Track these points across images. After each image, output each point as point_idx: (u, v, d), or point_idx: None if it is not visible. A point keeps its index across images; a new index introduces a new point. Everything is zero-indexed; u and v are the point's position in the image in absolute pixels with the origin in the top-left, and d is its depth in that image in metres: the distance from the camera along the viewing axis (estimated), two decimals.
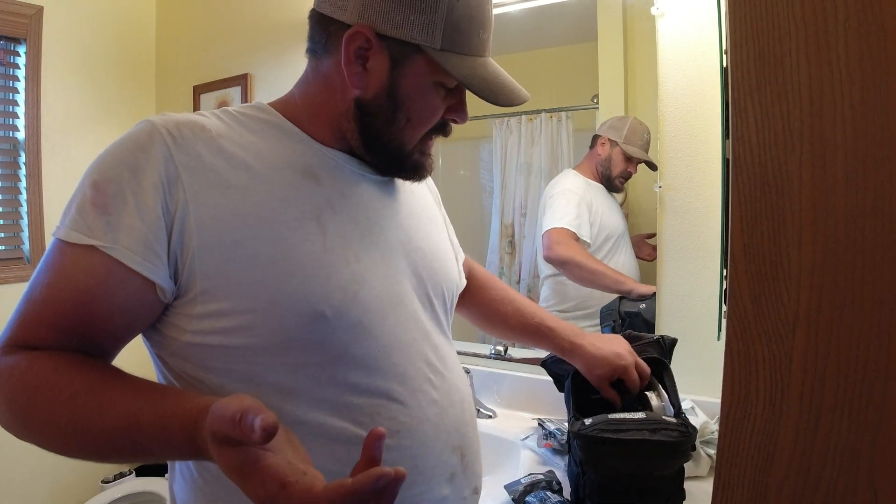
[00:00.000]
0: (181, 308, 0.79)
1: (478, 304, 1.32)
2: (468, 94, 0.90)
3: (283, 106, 0.93)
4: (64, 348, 0.76)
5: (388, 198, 0.97)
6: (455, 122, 0.95)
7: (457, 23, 0.84)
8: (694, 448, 1.11)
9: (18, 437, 0.74)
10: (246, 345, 0.78)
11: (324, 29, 0.88)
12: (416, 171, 0.95)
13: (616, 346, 1.24)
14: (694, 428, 1.12)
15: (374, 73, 0.86)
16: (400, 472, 0.57)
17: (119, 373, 0.76)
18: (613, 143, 1.81)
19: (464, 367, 1.78)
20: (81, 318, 0.76)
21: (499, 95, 0.88)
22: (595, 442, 1.11)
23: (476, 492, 0.97)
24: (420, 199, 1.07)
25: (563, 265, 1.88)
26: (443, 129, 0.94)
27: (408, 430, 0.85)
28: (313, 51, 0.91)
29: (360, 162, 0.93)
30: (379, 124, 0.89)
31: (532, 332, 1.28)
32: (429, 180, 1.18)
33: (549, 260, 1.89)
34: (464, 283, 1.23)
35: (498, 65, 0.92)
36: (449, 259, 1.06)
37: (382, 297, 0.87)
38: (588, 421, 1.14)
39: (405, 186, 1.02)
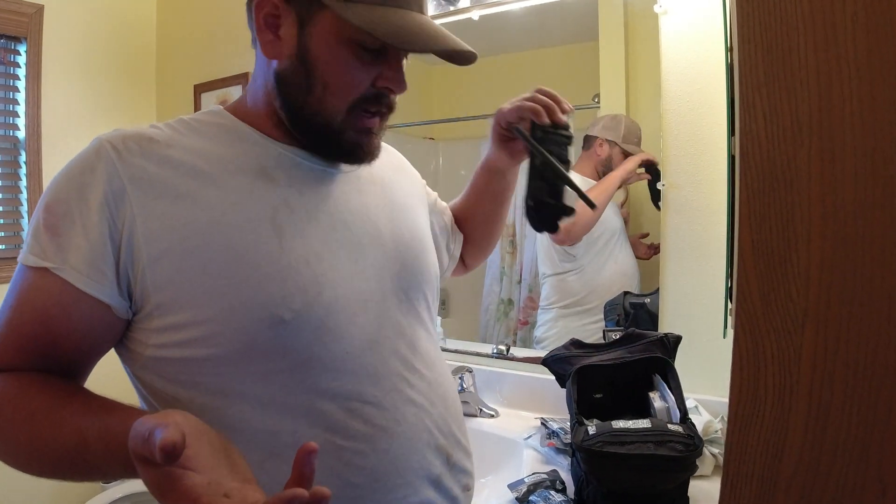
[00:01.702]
0: (140, 323, 0.79)
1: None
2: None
3: (237, 109, 0.90)
4: (31, 369, 0.77)
5: (355, 192, 0.93)
6: (390, 91, 0.85)
7: None
8: (700, 453, 1.10)
9: None
10: (208, 356, 0.77)
11: (248, 10, 0.85)
12: (354, 151, 0.87)
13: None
14: (700, 439, 1.11)
15: (286, 39, 0.82)
16: (322, 493, 0.56)
17: (78, 391, 0.76)
18: (612, 143, 1.82)
19: (466, 366, 1.80)
20: (43, 339, 0.76)
21: (411, 41, 0.78)
22: (598, 456, 1.10)
23: (467, 489, 0.95)
24: (396, 187, 1.02)
25: (567, 234, 1.86)
26: (378, 99, 0.85)
27: (383, 431, 0.83)
28: (254, 40, 0.88)
29: (319, 156, 0.89)
30: (296, 94, 0.83)
31: (479, 182, 1.20)
32: (409, 168, 1.14)
33: (562, 243, 1.88)
34: (449, 264, 1.22)
35: (431, 20, 0.83)
36: (428, 247, 1.02)
37: (349, 296, 0.84)
38: (592, 429, 1.14)
39: (376, 177, 0.98)
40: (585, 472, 1.15)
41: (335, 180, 0.91)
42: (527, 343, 2.02)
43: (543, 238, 1.95)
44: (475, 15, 1.95)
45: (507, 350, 1.92)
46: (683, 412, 1.18)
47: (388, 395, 0.85)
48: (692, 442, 1.08)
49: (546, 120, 0.97)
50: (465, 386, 1.77)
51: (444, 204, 1.24)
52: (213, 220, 0.78)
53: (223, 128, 0.87)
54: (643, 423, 1.12)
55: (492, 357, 1.94)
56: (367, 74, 0.83)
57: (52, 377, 0.77)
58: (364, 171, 0.96)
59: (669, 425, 1.12)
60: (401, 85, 0.85)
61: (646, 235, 1.78)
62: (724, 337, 1.35)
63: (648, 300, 1.71)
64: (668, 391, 1.24)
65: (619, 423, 1.13)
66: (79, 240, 0.74)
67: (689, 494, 1.16)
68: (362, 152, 0.88)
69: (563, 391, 1.37)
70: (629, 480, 1.10)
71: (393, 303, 0.90)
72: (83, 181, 0.76)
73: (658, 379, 1.28)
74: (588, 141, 1.87)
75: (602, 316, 1.83)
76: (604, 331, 1.68)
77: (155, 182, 0.78)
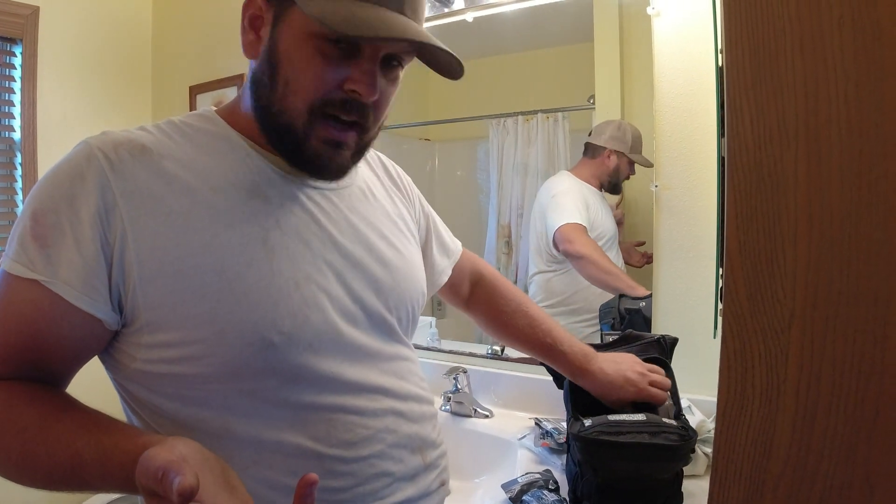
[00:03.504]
0: (130, 337, 0.78)
1: (489, 312, 1.30)
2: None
3: (229, 113, 0.89)
4: (15, 377, 0.76)
5: (347, 210, 0.93)
6: (356, 95, 0.80)
7: None
8: (693, 450, 1.11)
9: None
10: (196, 373, 0.77)
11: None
12: (315, 162, 0.83)
13: (625, 370, 1.21)
14: (694, 431, 1.12)
15: (263, 38, 0.82)
16: None
17: (68, 404, 0.76)
18: (620, 154, 1.81)
19: (461, 367, 1.80)
20: (30, 349, 0.76)
21: (362, 28, 0.73)
22: (594, 444, 1.11)
23: (444, 483, 0.97)
24: (386, 207, 1.02)
25: (579, 259, 1.88)
26: (344, 105, 0.80)
27: (365, 440, 0.85)
28: None
29: (292, 166, 0.87)
30: (262, 93, 0.82)
31: (543, 350, 1.26)
32: (407, 181, 1.15)
33: (567, 254, 1.89)
34: (444, 280, 1.22)
35: (405, 19, 0.78)
36: (413, 266, 1.02)
37: (335, 318, 0.85)
38: (588, 422, 1.15)
39: (368, 193, 0.98)
40: (580, 462, 1.16)
41: (326, 198, 0.91)
42: None
43: (534, 236, 1.97)
44: (469, 17, 1.95)
45: (502, 351, 1.93)
46: (678, 410, 1.19)
47: (369, 406, 0.87)
48: (686, 433, 1.09)
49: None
50: (459, 386, 1.77)
51: (458, 249, 1.28)
52: (206, 242, 0.78)
53: (215, 136, 0.86)
54: (638, 417, 1.13)
55: (486, 357, 1.94)
56: (333, 74, 0.79)
57: (38, 387, 0.77)
58: (356, 186, 0.96)
59: (664, 419, 1.13)
60: (370, 89, 0.80)
61: (642, 243, 1.77)
62: (714, 337, 1.35)
63: (644, 304, 1.71)
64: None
65: (615, 416, 1.14)
66: (70, 254, 0.73)
67: (683, 498, 1.17)
68: (325, 164, 0.84)
69: (557, 392, 1.38)
70: (624, 469, 1.11)
71: (377, 321, 0.92)
72: (73, 191, 0.75)
73: None
74: (594, 150, 1.87)
75: (587, 317, 1.84)
76: (601, 334, 1.68)
77: (147, 197, 0.77)
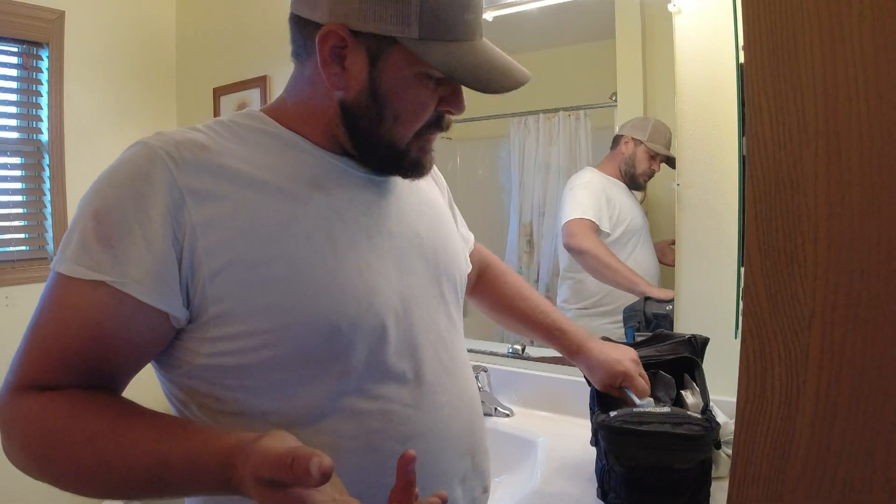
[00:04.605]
0: (194, 332, 0.79)
1: (490, 296, 1.34)
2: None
3: (277, 112, 0.90)
4: (75, 385, 0.76)
5: (396, 198, 0.95)
6: (450, 113, 0.89)
7: (435, 8, 0.78)
8: (718, 445, 1.12)
9: (38, 480, 0.74)
10: (262, 363, 0.78)
11: (301, 31, 0.85)
12: (415, 168, 0.91)
13: (619, 354, 1.25)
14: (717, 423, 1.13)
15: (353, 72, 0.82)
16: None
17: (134, 409, 0.77)
18: (637, 141, 1.80)
19: (481, 366, 1.81)
20: (93, 353, 0.75)
21: (488, 82, 0.82)
22: (617, 432, 1.14)
23: (486, 490, 0.98)
24: (426, 193, 1.05)
25: (580, 254, 1.89)
26: (438, 123, 0.89)
27: (420, 435, 0.85)
28: (297, 54, 0.88)
29: (362, 165, 0.91)
30: (366, 125, 0.85)
31: (543, 331, 1.29)
32: (434, 170, 1.16)
33: (568, 248, 1.90)
34: (469, 269, 1.23)
35: (491, 45, 0.87)
36: (459, 252, 1.05)
37: (396, 303, 0.86)
38: (613, 413, 1.17)
39: (409, 183, 1.00)
40: (605, 450, 1.18)
41: (378, 188, 0.93)
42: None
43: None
44: (489, 16, 1.95)
45: (523, 350, 1.92)
46: (705, 406, 1.21)
47: (425, 399, 0.87)
48: (709, 425, 1.11)
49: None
50: (480, 385, 1.78)
51: (472, 239, 1.30)
52: (273, 234, 0.79)
53: (268, 134, 0.87)
54: (664, 409, 1.16)
55: (507, 357, 1.95)
56: (432, 101, 0.85)
57: (100, 394, 0.76)
58: (399, 178, 0.98)
59: (689, 413, 1.14)
60: (461, 107, 0.88)
61: (674, 242, 1.76)
62: (736, 338, 1.34)
63: (670, 307, 1.68)
64: (696, 389, 1.25)
65: (640, 409, 1.17)
66: (140, 252, 0.73)
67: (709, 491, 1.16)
68: (422, 169, 0.92)
69: (578, 391, 1.38)
70: (647, 457, 1.13)
71: (433, 307, 0.93)
72: (140, 191, 0.75)
73: (688, 378, 1.30)
74: (616, 141, 1.86)
75: (620, 318, 1.81)
76: (633, 335, 1.67)
77: (212, 193, 0.78)
